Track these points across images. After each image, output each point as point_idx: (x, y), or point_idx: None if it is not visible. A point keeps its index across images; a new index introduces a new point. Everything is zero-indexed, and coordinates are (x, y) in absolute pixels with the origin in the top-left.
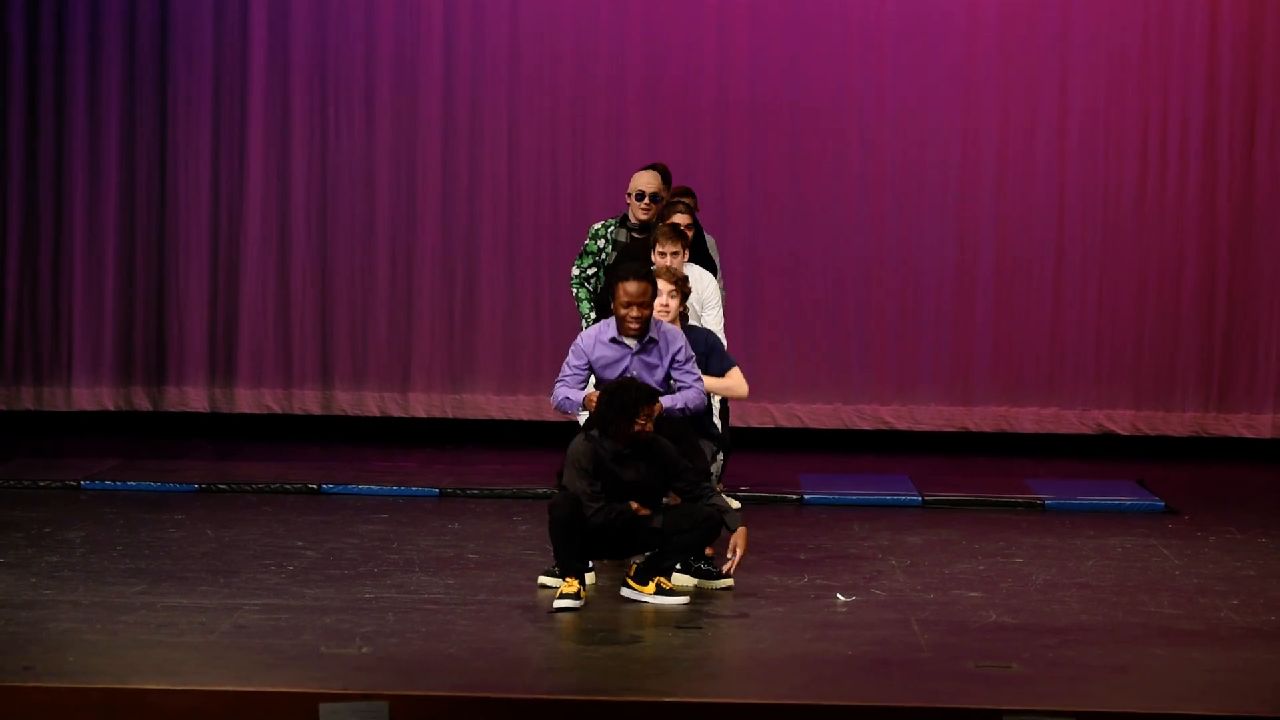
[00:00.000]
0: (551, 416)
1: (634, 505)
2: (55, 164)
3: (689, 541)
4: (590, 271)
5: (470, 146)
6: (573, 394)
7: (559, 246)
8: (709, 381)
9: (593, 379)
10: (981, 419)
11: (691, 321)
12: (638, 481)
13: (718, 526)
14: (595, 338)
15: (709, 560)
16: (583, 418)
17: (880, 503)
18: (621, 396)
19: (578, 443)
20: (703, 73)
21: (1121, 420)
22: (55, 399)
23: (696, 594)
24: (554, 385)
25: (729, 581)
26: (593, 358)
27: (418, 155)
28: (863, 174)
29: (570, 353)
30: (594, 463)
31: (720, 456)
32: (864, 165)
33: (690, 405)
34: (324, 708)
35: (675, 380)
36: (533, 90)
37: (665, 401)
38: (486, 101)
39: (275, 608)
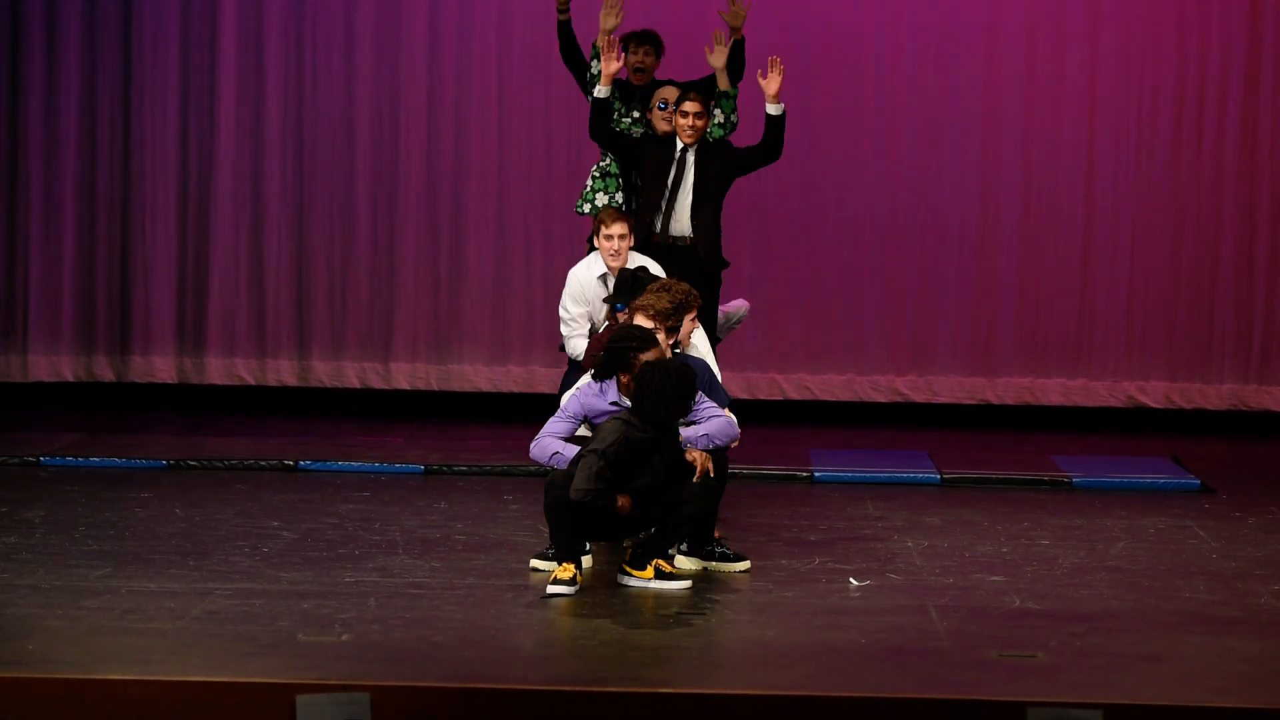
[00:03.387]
0: (544, 389)
1: (620, 501)
2: (9, 115)
3: (686, 514)
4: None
5: (457, 94)
6: (565, 450)
7: (552, 202)
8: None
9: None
10: (1004, 391)
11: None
12: (652, 479)
13: (715, 496)
14: (594, 396)
15: (721, 543)
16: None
17: (896, 480)
18: (667, 383)
19: (611, 423)
20: (706, 14)
21: (1154, 392)
22: (10, 369)
23: (704, 578)
24: (539, 437)
25: (745, 565)
26: (590, 415)
27: (401, 105)
28: (878, 126)
29: (563, 406)
30: (621, 450)
31: None
32: (879, 117)
33: (715, 437)
34: (301, 699)
35: (694, 416)
36: (525, 33)
37: (686, 433)
38: (475, 46)
39: (249, 592)
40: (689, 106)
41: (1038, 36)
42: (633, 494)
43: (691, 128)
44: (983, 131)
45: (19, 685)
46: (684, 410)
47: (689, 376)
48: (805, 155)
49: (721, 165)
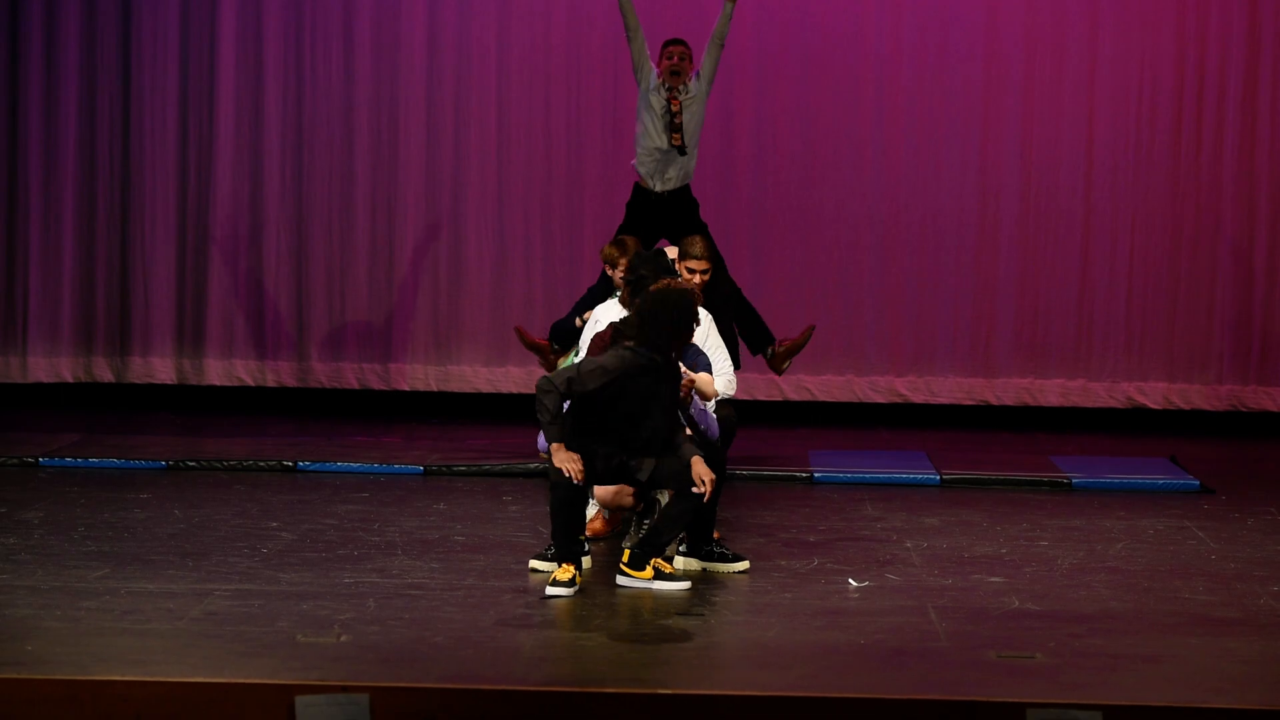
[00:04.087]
0: None
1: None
2: (8, 112)
3: (674, 513)
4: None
5: (456, 92)
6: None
7: (551, 203)
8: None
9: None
10: (1003, 392)
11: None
12: (657, 417)
13: (708, 495)
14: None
15: (720, 543)
16: None
17: (895, 481)
18: (668, 305)
19: (614, 353)
20: (705, 15)
21: (1153, 393)
22: (10, 370)
23: (703, 579)
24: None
25: (744, 565)
26: None
27: (400, 102)
28: (877, 126)
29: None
30: (617, 375)
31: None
32: (878, 117)
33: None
34: (300, 700)
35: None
36: (524, 32)
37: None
38: (475, 44)
39: (248, 593)
40: (694, 265)
41: (1037, 38)
42: (642, 411)
43: (699, 285)
44: (982, 133)
45: (17, 686)
46: (686, 336)
47: (690, 300)
48: (805, 156)
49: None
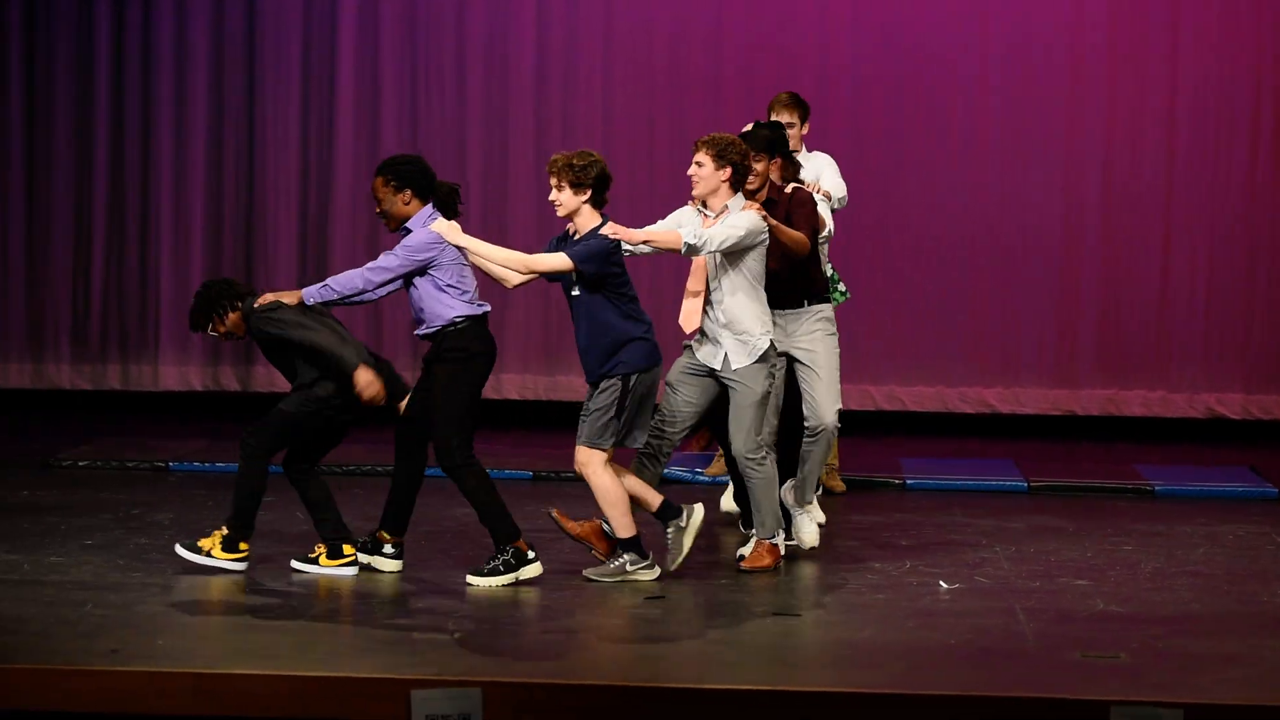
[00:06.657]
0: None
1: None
2: (141, 138)
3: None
4: None
5: (564, 118)
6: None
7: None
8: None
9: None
10: (1088, 402)
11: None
12: None
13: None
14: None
15: (501, 554)
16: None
17: (985, 488)
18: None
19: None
20: (803, 42)
21: (1232, 404)
22: (142, 378)
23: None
24: None
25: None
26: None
27: (510, 126)
28: (965, 145)
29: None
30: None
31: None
32: (966, 136)
33: (338, 286)
34: (416, 694)
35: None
36: (628, 63)
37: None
38: (581, 73)
39: (368, 592)
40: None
41: (1120, 55)
42: None
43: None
44: (1066, 149)
45: (149, 679)
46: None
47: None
48: (896, 175)
49: None
